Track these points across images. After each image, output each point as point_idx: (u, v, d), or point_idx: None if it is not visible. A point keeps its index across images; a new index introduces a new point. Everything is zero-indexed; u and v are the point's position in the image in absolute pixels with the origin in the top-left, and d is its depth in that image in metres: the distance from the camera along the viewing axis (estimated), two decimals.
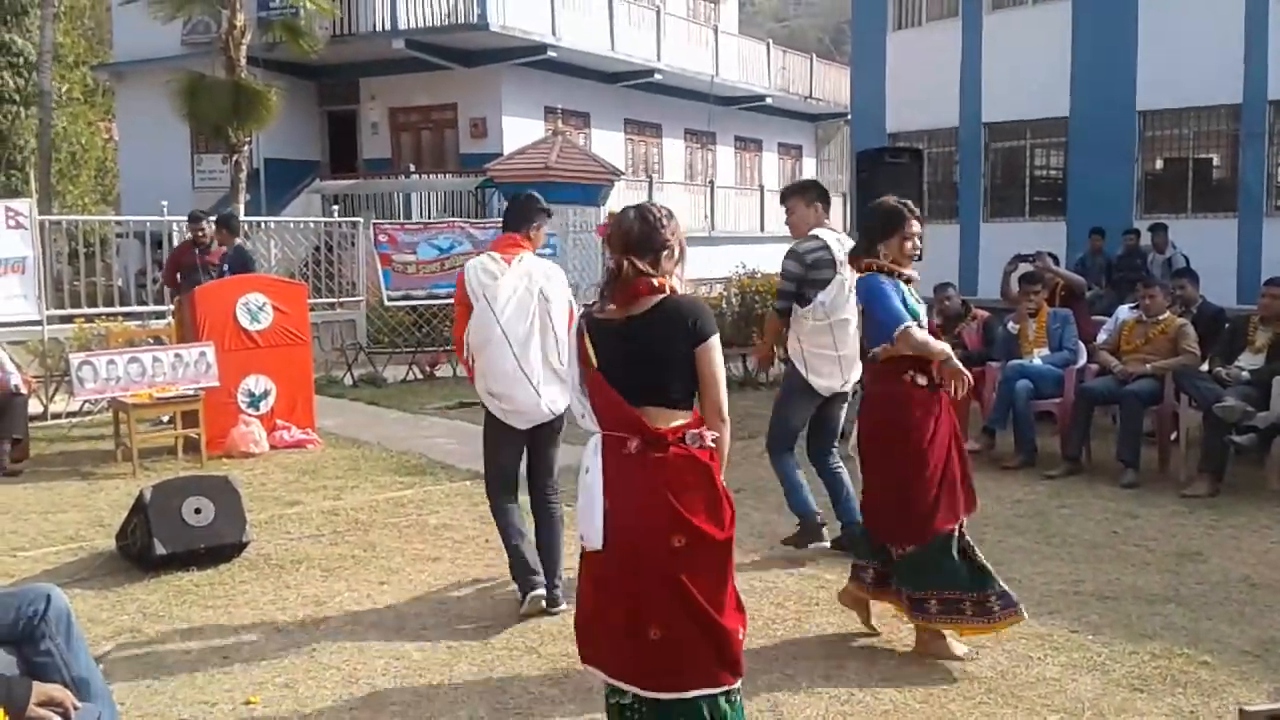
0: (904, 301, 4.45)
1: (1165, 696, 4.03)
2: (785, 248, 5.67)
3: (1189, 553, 5.81)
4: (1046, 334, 8.32)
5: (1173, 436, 7.78)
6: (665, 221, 3.26)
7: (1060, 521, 6.49)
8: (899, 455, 4.39)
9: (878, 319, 4.43)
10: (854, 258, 4.69)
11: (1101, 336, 8.36)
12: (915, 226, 4.56)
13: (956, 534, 4.40)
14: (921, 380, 4.41)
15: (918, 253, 4.59)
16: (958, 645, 4.46)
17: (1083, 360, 8.30)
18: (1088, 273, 12.31)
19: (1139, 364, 7.69)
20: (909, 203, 4.61)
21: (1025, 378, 7.99)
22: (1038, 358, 8.21)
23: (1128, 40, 15.88)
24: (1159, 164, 16.70)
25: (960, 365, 4.43)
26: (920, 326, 4.44)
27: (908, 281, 4.56)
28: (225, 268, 9.86)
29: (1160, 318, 7.84)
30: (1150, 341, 7.80)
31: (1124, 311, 8.46)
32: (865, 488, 4.65)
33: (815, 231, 5.59)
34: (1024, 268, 9.30)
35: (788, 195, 5.76)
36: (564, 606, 4.84)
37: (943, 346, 4.47)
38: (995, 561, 5.59)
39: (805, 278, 5.48)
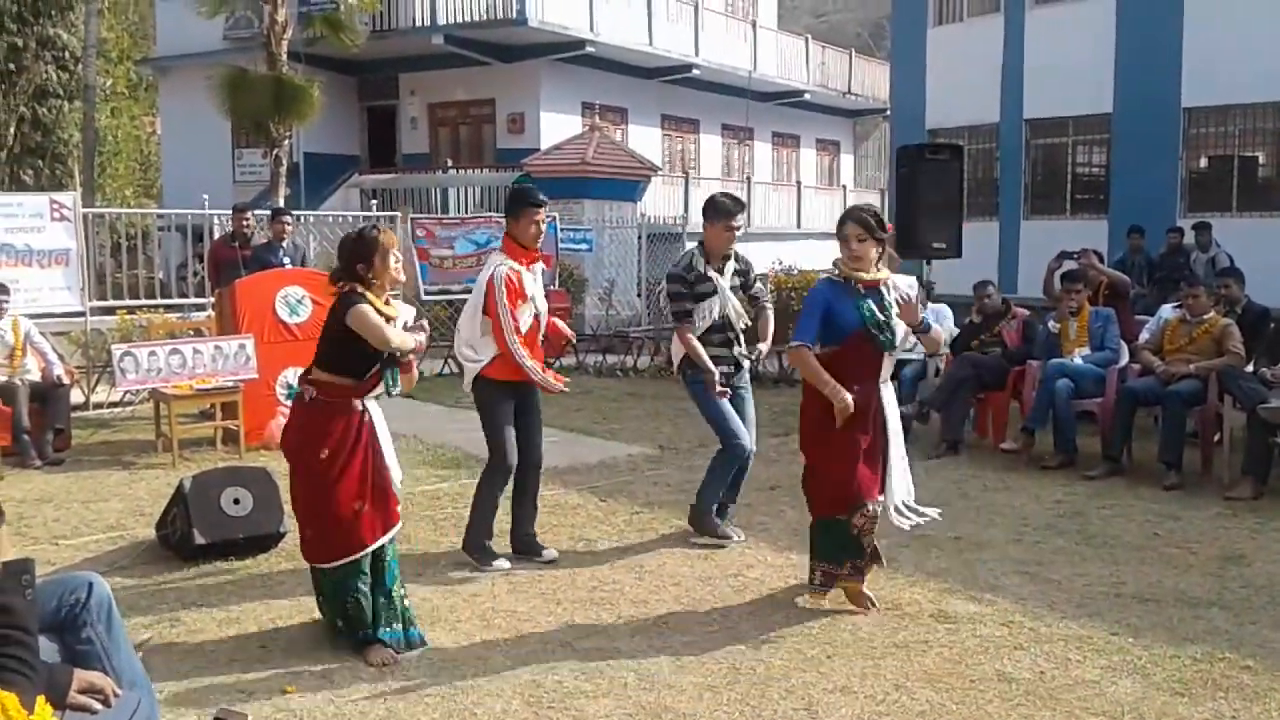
0: (829, 309, 4.77)
1: (1206, 701, 3.97)
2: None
3: (1232, 556, 5.73)
4: (1088, 333, 8.21)
5: (1216, 438, 7.67)
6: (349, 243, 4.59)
7: (1101, 523, 6.41)
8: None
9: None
10: None
11: (1144, 336, 8.26)
12: (849, 228, 4.79)
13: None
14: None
15: (855, 254, 4.78)
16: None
17: (1124, 360, 8.19)
18: (1129, 272, 12.15)
19: (1182, 364, 7.58)
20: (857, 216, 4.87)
21: (1066, 377, 7.90)
22: (1079, 357, 8.12)
23: (1172, 36, 15.67)
24: (1203, 161, 16.47)
25: (844, 399, 4.69)
26: (872, 332, 4.75)
27: (867, 284, 4.79)
28: (286, 260, 9.94)
29: (1204, 317, 7.73)
30: (1194, 341, 7.69)
31: (1167, 311, 8.34)
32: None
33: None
34: (1068, 265, 9.20)
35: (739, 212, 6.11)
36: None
37: (830, 385, 4.70)
38: (1035, 562, 5.59)
39: None
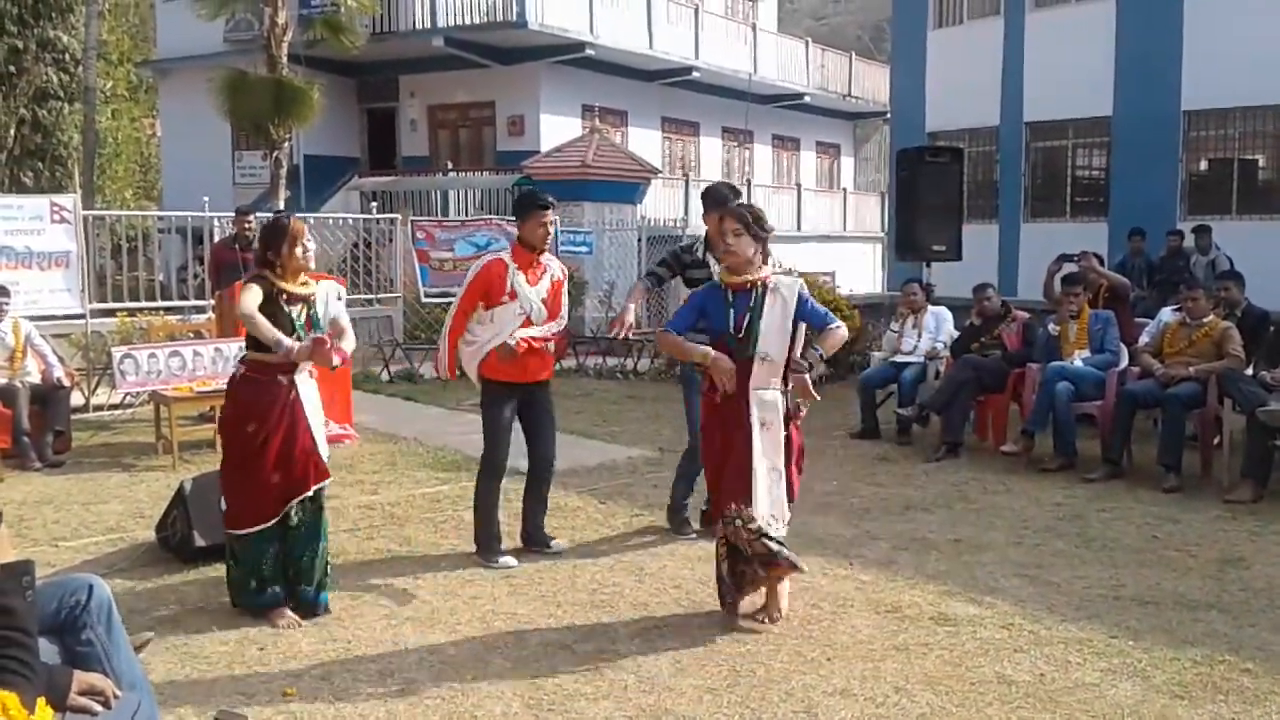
0: (704, 309, 4.82)
1: (1206, 704, 3.97)
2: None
3: (1232, 558, 5.73)
4: (1088, 335, 8.22)
5: (1215, 441, 7.67)
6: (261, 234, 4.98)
7: (1100, 525, 6.41)
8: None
9: None
10: None
11: (1144, 339, 8.25)
12: (727, 222, 4.78)
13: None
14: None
15: (730, 249, 4.77)
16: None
17: (1124, 362, 8.20)
18: (1129, 274, 12.16)
19: (1182, 367, 7.59)
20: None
21: (1066, 379, 7.91)
22: (1079, 359, 8.12)
23: (1172, 39, 15.67)
24: (1204, 164, 16.48)
25: (718, 364, 4.71)
26: (730, 340, 4.73)
27: (736, 287, 4.78)
28: None
29: (1204, 320, 7.73)
30: (1193, 344, 7.69)
31: (1167, 313, 8.35)
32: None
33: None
34: (1068, 268, 9.20)
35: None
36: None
37: (694, 350, 4.82)
38: (1034, 565, 5.59)
39: None
